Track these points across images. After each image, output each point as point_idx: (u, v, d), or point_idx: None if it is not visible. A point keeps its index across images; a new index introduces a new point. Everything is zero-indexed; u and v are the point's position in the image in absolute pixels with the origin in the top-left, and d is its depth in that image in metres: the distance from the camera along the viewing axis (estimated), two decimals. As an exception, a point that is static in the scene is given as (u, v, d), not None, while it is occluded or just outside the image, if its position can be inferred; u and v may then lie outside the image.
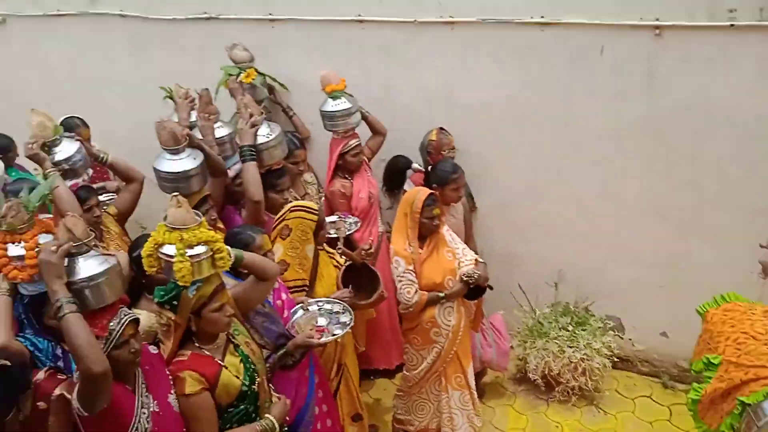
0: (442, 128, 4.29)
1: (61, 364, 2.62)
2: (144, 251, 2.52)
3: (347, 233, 4.00)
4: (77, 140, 3.52)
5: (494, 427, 4.31)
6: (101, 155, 3.60)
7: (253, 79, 4.56)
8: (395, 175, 4.49)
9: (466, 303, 3.77)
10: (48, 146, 3.36)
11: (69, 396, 2.35)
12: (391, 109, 4.57)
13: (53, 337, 2.65)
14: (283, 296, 3.28)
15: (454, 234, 3.86)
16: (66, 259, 2.33)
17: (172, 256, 2.44)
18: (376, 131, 4.50)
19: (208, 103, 3.93)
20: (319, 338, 3.12)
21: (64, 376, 2.53)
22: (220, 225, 3.67)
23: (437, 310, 3.66)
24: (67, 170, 3.40)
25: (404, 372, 3.94)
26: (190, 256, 2.44)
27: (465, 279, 3.61)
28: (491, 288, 3.77)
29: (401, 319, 3.89)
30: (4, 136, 4.32)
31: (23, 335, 2.62)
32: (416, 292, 3.60)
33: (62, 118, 4.13)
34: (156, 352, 2.64)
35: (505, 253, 4.63)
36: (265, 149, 3.73)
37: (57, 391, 2.42)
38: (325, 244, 3.63)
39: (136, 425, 2.40)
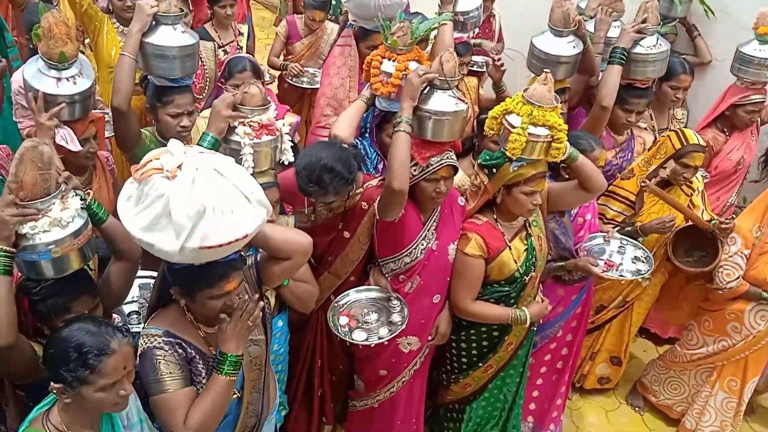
0: None
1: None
2: (491, 112, 2.60)
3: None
4: None
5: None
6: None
7: (676, -8, 4.15)
8: None
9: (792, 317, 3.23)
10: None
11: None
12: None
13: (381, 152, 2.96)
14: (588, 216, 3.17)
15: None
16: (427, 89, 2.51)
17: (513, 127, 2.46)
18: None
19: (617, 0, 3.72)
20: (603, 271, 2.97)
21: None
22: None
23: (749, 307, 3.23)
24: (459, 21, 3.58)
25: (676, 345, 3.60)
26: (529, 133, 2.44)
27: None
28: None
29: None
30: None
31: (361, 139, 2.97)
32: (737, 279, 3.18)
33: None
34: (463, 204, 2.80)
35: None
36: (638, 60, 3.40)
37: (377, 202, 2.70)
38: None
39: (411, 249, 2.68)
